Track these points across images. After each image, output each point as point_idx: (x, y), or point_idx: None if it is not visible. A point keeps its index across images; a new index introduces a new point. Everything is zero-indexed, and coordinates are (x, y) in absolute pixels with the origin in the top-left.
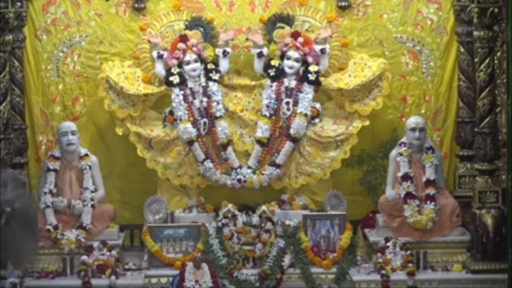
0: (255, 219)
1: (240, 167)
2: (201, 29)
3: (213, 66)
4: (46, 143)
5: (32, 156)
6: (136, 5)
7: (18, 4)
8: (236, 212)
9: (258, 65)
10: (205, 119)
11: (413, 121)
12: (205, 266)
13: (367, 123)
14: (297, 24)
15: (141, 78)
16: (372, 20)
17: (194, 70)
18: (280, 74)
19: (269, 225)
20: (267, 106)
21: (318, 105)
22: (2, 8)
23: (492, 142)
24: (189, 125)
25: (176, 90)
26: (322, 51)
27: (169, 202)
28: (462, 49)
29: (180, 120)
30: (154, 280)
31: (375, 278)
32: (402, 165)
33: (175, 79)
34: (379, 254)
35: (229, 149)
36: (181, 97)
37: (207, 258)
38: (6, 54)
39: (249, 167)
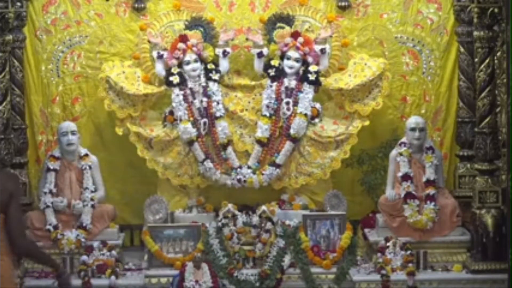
0: (255, 219)
1: (240, 167)
2: (201, 29)
3: (213, 66)
4: (46, 143)
5: (32, 156)
6: (136, 5)
7: (18, 4)
8: (236, 212)
9: (258, 65)
10: (205, 119)
11: (413, 121)
12: (205, 266)
13: (367, 123)
14: (297, 24)
15: (141, 78)
16: (372, 20)
17: (194, 70)
18: (280, 74)
19: (269, 225)
20: (267, 106)
21: (318, 105)
22: (2, 8)
23: (492, 142)
24: (189, 125)
25: (176, 90)
26: (322, 51)
27: (169, 202)
28: (462, 49)
29: (180, 120)
30: (154, 280)
31: (375, 278)
32: (402, 165)
33: (175, 79)
34: (379, 254)
35: (229, 149)
36: (181, 97)
37: (207, 258)
38: (6, 54)
39: (249, 167)
